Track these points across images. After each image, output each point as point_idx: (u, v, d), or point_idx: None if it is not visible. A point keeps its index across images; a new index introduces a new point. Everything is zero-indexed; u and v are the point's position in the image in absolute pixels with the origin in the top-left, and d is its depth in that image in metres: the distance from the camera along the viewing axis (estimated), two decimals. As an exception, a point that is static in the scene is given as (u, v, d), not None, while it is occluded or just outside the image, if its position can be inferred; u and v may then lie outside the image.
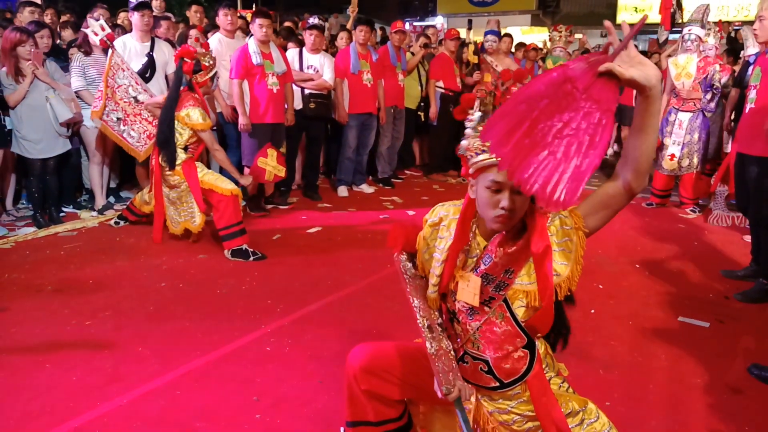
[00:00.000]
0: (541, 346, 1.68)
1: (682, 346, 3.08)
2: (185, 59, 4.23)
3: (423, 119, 7.13)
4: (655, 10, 7.70)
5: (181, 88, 4.30)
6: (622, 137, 9.28)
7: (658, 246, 4.79)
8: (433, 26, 9.77)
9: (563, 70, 1.31)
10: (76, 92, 4.99)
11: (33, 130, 4.66)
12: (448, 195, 6.27)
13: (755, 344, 3.16)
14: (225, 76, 5.21)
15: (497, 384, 1.65)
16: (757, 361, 2.90)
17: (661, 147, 5.84)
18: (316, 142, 6.12)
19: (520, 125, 1.28)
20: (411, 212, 5.67)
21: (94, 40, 4.83)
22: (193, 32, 5.50)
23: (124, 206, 5.07)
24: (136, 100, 4.89)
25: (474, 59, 7.17)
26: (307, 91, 5.78)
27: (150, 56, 5.18)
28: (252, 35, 5.12)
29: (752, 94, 3.77)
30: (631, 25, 1.31)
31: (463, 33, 7.65)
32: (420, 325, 1.69)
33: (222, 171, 4.71)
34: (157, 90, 5.08)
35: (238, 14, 6.22)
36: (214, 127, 5.32)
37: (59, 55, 5.25)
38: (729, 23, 9.13)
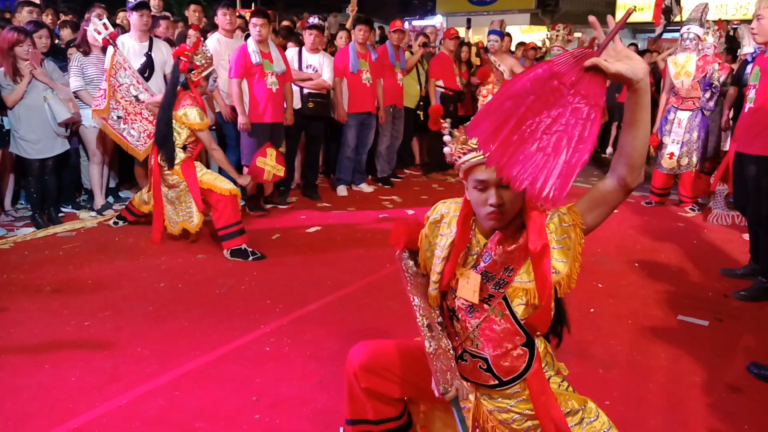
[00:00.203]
0: (540, 345, 1.68)
1: (682, 345, 3.08)
2: (181, 58, 4.24)
3: (422, 118, 7.13)
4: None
5: (178, 87, 4.30)
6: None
7: (657, 245, 4.79)
8: (433, 25, 9.76)
9: (549, 66, 1.31)
10: (74, 92, 4.98)
11: (31, 130, 4.65)
12: (448, 194, 6.27)
13: (754, 343, 3.16)
14: (224, 75, 5.21)
15: (496, 382, 1.65)
16: (757, 359, 2.90)
17: (660, 145, 5.84)
18: (316, 141, 6.12)
19: (506, 122, 1.28)
20: (410, 211, 5.67)
21: (97, 38, 4.82)
22: (191, 32, 5.50)
23: (123, 206, 5.06)
24: (137, 99, 4.89)
25: (477, 61, 7.18)
26: (306, 91, 5.77)
27: (148, 56, 5.18)
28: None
29: (751, 94, 3.77)
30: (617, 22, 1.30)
31: (462, 32, 7.65)
32: (420, 323, 1.69)
33: (221, 171, 4.71)
34: (156, 89, 5.08)
35: (237, 14, 6.21)
36: (213, 127, 5.32)
37: (58, 55, 5.24)
38: (728, 22, 9.13)
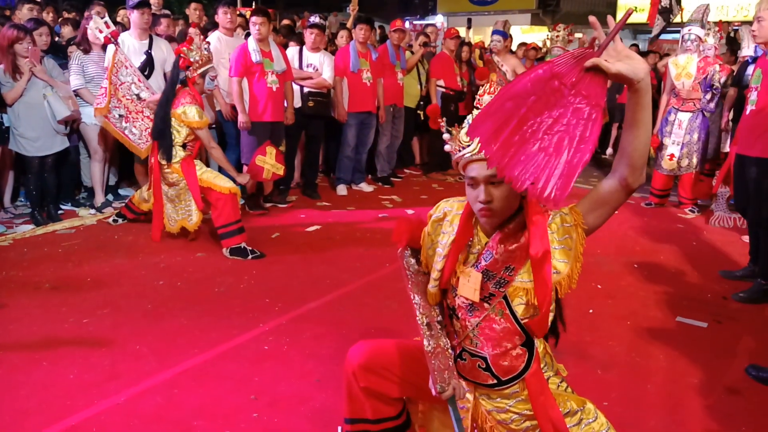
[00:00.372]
0: (539, 345, 1.68)
1: (680, 347, 3.08)
2: (181, 55, 4.24)
3: (422, 118, 7.13)
4: (655, 10, 7.69)
5: (178, 84, 4.30)
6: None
7: (656, 246, 4.79)
8: (433, 25, 9.76)
9: (549, 66, 1.31)
10: (75, 91, 4.98)
11: (30, 128, 4.65)
12: (447, 194, 6.26)
13: (753, 345, 3.16)
14: (224, 74, 5.20)
15: (495, 381, 1.65)
16: (755, 361, 2.90)
17: (660, 147, 5.84)
18: (316, 140, 6.12)
19: (507, 123, 1.29)
20: (410, 211, 5.67)
21: (98, 37, 4.82)
22: (191, 30, 5.50)
23: (123, 204, 5.06)
24: (139, 98, 4.89)
25: (480, 63, 7.19)
26: (306, 90, 5.77)
27: (148, 54, 5.17)
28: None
29: (753, 96, 3.76)
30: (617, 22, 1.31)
31: (462, 32, 7.64)
32: (419, 322, 1.69)
33: (221, 169, 4.71)
34: (156, 88, 5.07)
35: (238, 12, 6.21)
36: (213, 125, 5.32)
37: (58, 53, 5.24)
38: (728, 23, 9.13)
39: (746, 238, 4.57)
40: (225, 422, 2.35)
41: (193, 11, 6.63)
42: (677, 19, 6.92)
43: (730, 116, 5.68)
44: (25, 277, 3.80)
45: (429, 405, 1.89)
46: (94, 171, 5.25)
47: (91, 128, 5.11)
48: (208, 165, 4.71)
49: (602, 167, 8.17)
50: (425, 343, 1.65)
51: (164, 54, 5.29)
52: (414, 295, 1.75)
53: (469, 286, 1.61)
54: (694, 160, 5.73)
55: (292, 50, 5.86)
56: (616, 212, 1.57)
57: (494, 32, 6.96)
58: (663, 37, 7.51)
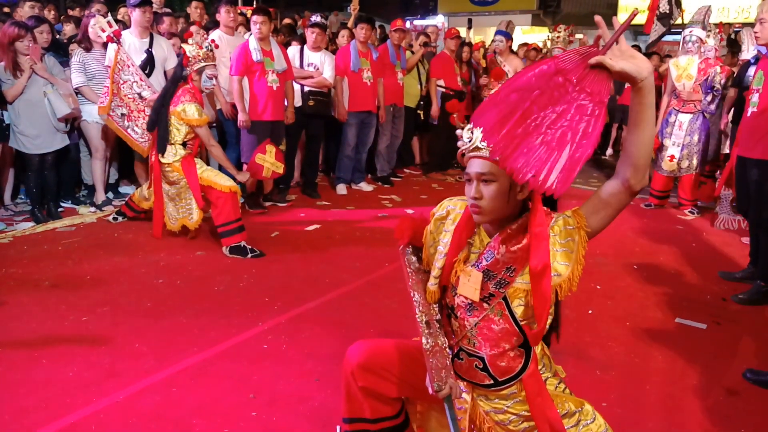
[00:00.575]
0: (537, 346, 1.68)
1: (679, 348, 3.08)
2: (183, 51, 4.26)
3: (422, 118, 7.14)
4: (655, 11, 7.68)
5: (180, 81, 4.31)
6: (623, 138, 9.30)
7: (656, 247, 4.79)
8: (434, 25, 9.76)
9: (554, 62, 1.33)
10: (76, 88, 4.98)
11: (31, 125, 4.65)
12: (447, 194, 6.24)
13: (752, 346, 3.16)
14: (225, 72, 5.20)
15: (491, 382, 1.65)
16: (754, 363, 2.90)
17: (660, 148, 5.84)
18: (316, 139, 6.12)
19: (512, 114, 1.31)
20: (410, 211, 5.67)
21: (101, 36, 4.82)
22: (193, 28, 5.50)
23: (123, 202, 5.06)
24: (140, 97, 4.90)
25: (483, 63, 7.19)
26: (307, 89, 5.77)
27: (149, 52, 5.17)
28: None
29: (754, 98, 3.75)
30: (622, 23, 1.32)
31: (463, 32, 7.64)
32: (418, 320, 1.69)
33: (221, 168, 4.71)
34: (157, 86, 5.07)
35: (239, 11, 6.21)
36: (214, 124, 5.32)
37: (59, 50, 5.24)
38: (729, 25, 9.13)
39: (746, 240, 4.58)
40: (224, 421, 2.35)
41: (194, 10, 6.62)
42: (678, 21, 6.91)
43: (730, 118, 5.68)
44: (25, 274, 3.79)
45: (427, 405, 1.89)
46: (95, 169, 5.26)
47: (92, 126, 5.11)
48: (208, 163, 4.71)
49: (602, 168, 8.17)
50: (423, 341, 1.65)
51: (165, 52, 5.29)
52: (414, 292, 1.75)
53: (469, 285, 1.61)
54: (694, 162, 5.73)
55: (293, 49, 5.86)
56: (617, 213, 1.57)
57: (497, 32, 6.97)
58: (664, 38, 7.50)
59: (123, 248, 4.32)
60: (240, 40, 5.39)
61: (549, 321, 1.62)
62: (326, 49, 6.05)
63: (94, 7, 5.42)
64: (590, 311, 3.50)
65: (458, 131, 1.61)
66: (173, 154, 4.27)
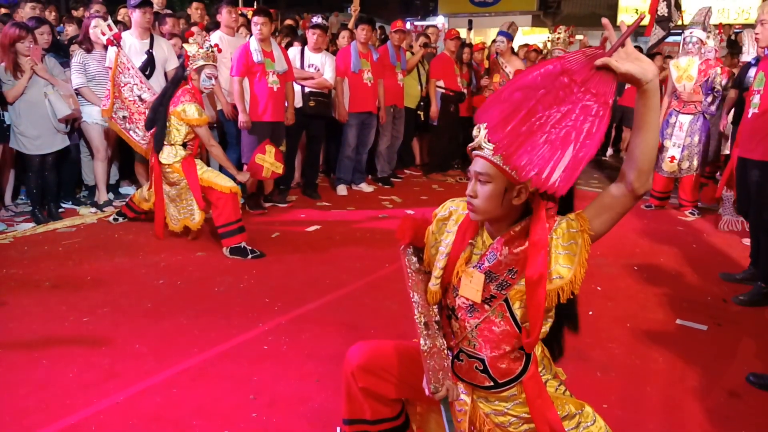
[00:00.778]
0: (537, 348, 1.68)
1: (680, 349, 3.08)
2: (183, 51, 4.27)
3: (422, 119, 7.14)
4: (656, 12, 7.68)
5: (181, 81, 4.31)
6: (623, 139, 9.30)
7: (656, 248, 4.79)
8: (434, 26, 9.76)
9: (560, 62, 1.34)
10: (76, 89, 4.98)
11: (31, 126, 4.65)
12: (448, 195, 6.24)
13: (753, 348, 3.16)
14: (226, 73, 5.20)
15: (491, 383, 1.65)
16: (755, 364, 2.90)
17: (661, 149, 5.84)
18: (316, 140, 6.12)
19: (516, 113, 1.32)
20: (410, 212, 5.66)
21: (101, 39, 4.82)
22: (195, 29, 5.50)
23: (123, 203, 5.07)
24: (141, 99, 4.90)
25: (486, 64, 7.20)
26: (307, 90, 5.77)
27: (150, 53, 5.17)
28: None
29: (755, 99, 3.74)
30: (629, 25, 1.33)
31: (463, 33, 7.64)
32: (417, 321, 1.69)
33: (221, 168, 4.71)
34: (158, 87, 5.08)
35: (239, 12, 6.21)
36: (214, 125, 5.32)
37: (59, 51, 5.24)
38: (730, 26, 9.13)
39: (747, 241, 4.57)
40: (224, 422, 2.35)
41: (194, 11, 6.63)
42: (678, 22, 6.92)
43: (730, 119, 5.68)
44: (26, 275, 3.80)
45: (427, 406, 1.89)
46: (97, 169, 5.26)
47: (93, 127, 5.11)
48: (208, 164, 4.71)
49: (602, 169, 8.17)
50: (421, 342, 1.65)
51: (165, 53, 5.29)
52: (413, 293, 1.74)
53: (471, 286, 1.61)
54: (695, 163, 5.73)
55: (294, 50, 5.86)
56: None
57: (499, 33, 6.97)
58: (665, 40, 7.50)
59: (123, 249, 4.32)
60: (241, 41, 5.39)
61: (547, 327, 1.62)
62: (327, 50, 6.06)
63: (93, 7, 5.42)
64: (590, 312, 3.50)
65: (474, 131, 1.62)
66: (173, 155, 4.27)
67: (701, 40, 5.59)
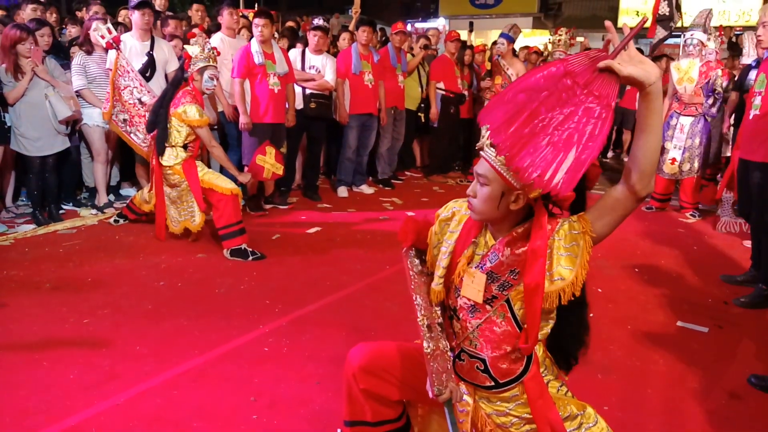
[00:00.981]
0: (539, 349, 1.68)
1: (681, 351, 3.07)
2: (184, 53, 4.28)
3: (423, 120, 7.14)
4: (657, 14, 7.68)
5: (181, 83, 4.32)
6: (623, 141, 9.31)
7: (657, 250, 4.79)
8: (435, 28, 9.77)
9: (563, 64, 1.34)
10: (77, 91, 4.99)
11: (32, 128, 4.66)
12: (448, 196, 6.25)
13: (754, 350, 3.16)
14: (227, 75, 5.21)
15: (492, 383, 1.65)
16: (756, 366, 2.90)
17: (662, 151, 5.84)
18: (317, 142, 6.12)
19: (519, 114, 1.32)
20: (411, 213, 5.66)
21: (101, 42, 4.83)
22: (195, 31, 5.51)
23: (124, 204, 5.07)
24: (140, 102, 4.91)
25: (488, 66, 7.20)
26: (308, 91, 5.78)
27: (150, 55, 5.18)
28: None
29: (757, 101, 3.74)
30: (632, 28, 1.34)
31: (464, 35, 7.65)
32: (419, 323, 1.69)
33: (222, 170, 4.71)
34: (158, 89, 5.08)
35: (240, 14, 6.22)
36: (215, 126, 5.33)
37: (60, 53, 5.25)
38: (730, 28, 9.14)
39: (748, 243, 4.57)
40: (224, 423, 2.35)
41: (195, 12, 6.64)
42: (678, 24, 6.92)
43: (731, 121, 5.68)
44: (26, 276, 3.80)
45: (428, 408, 1.88)
46: (97, 172, 5.27)
47: (93, 129, 5.12)
48: (209, 166, 4.72)
49: (603, 171, 8.16)
50: (424, 344, 1.64)
51: (166, 55, 5.30)
52: (416, 295, 1.74)
53: (473, 287, 1.61)
54: (696, 165, 5.73)
55: (295, 52, 5.87)
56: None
57: (501, 35, 6.98)
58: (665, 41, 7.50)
59: (124, 251, 4.32)
60: (242, 42, 5.40)
61: (548, 329, 1.62)
62: (328, 52, 6.07)
63: (92, 8, 5.43)
64: (591, 314, 3.47)
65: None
66: (174, 156, 4.27)
67: (702, 42, 5.60)
